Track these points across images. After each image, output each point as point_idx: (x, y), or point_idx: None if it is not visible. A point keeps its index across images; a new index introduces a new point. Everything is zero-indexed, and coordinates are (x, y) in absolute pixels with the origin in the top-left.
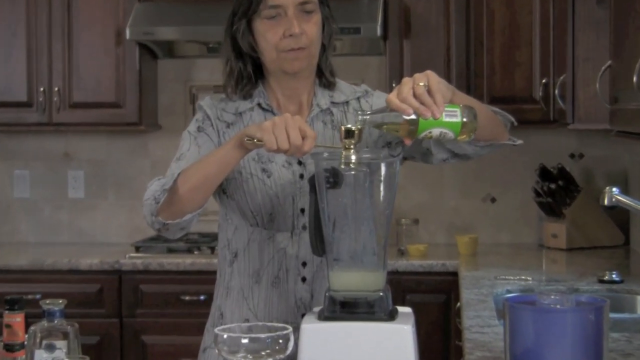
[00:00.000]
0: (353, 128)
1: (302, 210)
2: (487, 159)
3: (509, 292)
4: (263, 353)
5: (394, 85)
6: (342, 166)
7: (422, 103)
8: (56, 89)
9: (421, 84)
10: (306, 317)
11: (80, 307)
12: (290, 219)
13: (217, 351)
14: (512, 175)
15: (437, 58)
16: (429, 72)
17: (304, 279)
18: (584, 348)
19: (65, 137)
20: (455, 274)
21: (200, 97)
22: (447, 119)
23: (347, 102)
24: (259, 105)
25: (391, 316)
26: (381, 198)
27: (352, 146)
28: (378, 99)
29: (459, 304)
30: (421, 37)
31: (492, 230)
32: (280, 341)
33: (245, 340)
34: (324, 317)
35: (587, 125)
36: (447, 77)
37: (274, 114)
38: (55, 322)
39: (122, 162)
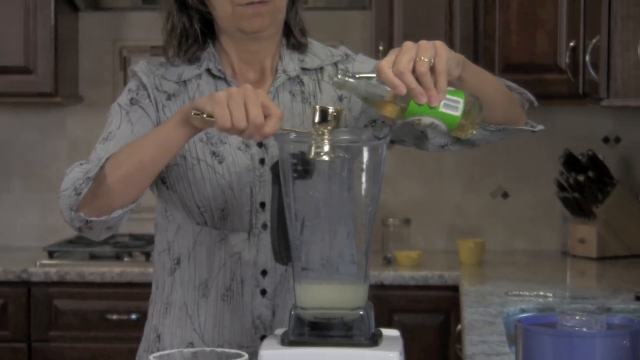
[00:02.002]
0: (330, 109)
1: (263, 205)
2: (499, 145)
3: (523, 311)
4: None
5: (380, 48)
6: (312, 156)
7: (420, 83)
8: None
9: (425, 59)
10: (266, 341)
11: None
12: (248, 216)
13: None
14: (529, 165)
15: (437, 14)
16: (438, 43)
17: (263, 292)
18: None
19: None
20: (456, 289)
21: (134, 61)
22: (445, 110)
23: (321, 69)
24: (209, 71)
25: (374, 341)
26: (363, 192)
27: (326, 132)
28: (361, 64)
29: (460, 326)
30: None
31: (503, 233)
32: None
33: None
34: (288, 341)
35: (625, 101)
36: (450, 40)
37: (227, 83)
38: None
39: (32, 144)
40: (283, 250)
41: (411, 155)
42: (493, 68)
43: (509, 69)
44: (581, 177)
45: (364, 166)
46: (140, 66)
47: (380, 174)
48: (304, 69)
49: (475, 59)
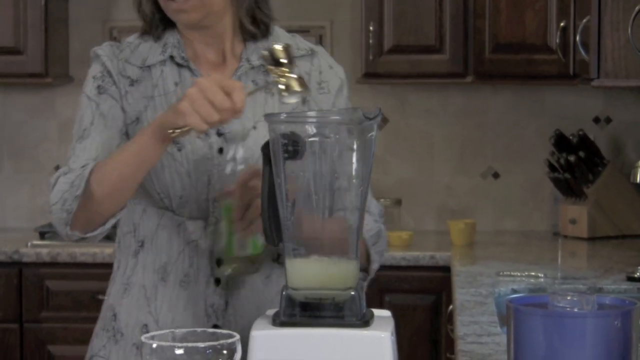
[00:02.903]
0: (277, 48)
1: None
2: (489, 125)
3: (514, 292)
4: None
5: (371, 28)
6: (284, 95)
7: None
8: None
9: None
10: (257, 322)
11: None
12: (205, 204)
13: None
14: (520, 145)
15: None
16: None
17: (217, 281)
18: None
19: None
20: (447, 269)
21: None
22: None
23: None
24: (172, 58)
25: (365, 321)
26: (353, 172)
27: (286, 70)
28: (329, 70)
29: (451, 306)
30: None
31: (494, 214)
32: (225, 352)
33: (179, 351)
34: (279, 322)
35: (616, 81)
36: (439, 19)
37: (190, 70)
38: None
39: (22, 124)
40: (274, 231)
41: (402, 135)
42: (483, 48)
43: (499, 49)
44: (572, 158)
45: (355, 146)
46: (104, 49)
47: (371, 154)
48: None
49: (465, 39)
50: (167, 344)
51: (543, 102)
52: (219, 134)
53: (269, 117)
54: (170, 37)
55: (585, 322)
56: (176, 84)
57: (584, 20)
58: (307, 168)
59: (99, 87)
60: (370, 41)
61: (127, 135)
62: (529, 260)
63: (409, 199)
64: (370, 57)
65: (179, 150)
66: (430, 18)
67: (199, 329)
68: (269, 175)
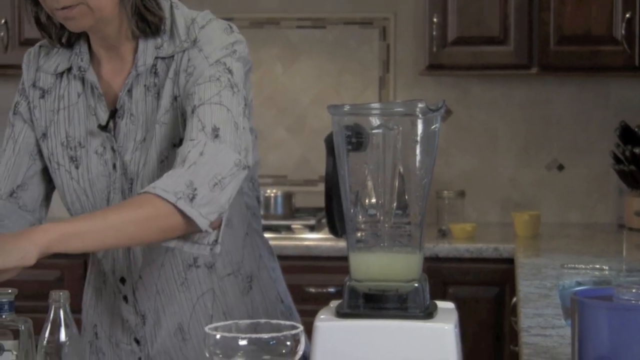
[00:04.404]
0: None
1: None
2: (553, 117)
3: (579, 284)
4: (266, 357)
5: (435, 20)
6: None
7: None
8: (2, 21)
9: None
10: (322, 312)
11: (34, 299)
12: None
13: (207, 355)
14: (585, 137)
15: None
16: None
17: (125, 299)
18: None
19: None
20: (511, 261)
21: None
22: None
23: (172, 57)
24: (80, 69)
25: (428, 313)
26: (417, 164)
27: None
28: (198, 54)
29: (515, 299)
30: None
31: (558, 206)
32: (288, 343)
33: (243, 342)
34: (343, 313)
35: None
36: (504, 10)
37: (90, 85)
38: (3, 317)
39: None
40: (337, 222)
41: (465, 127)
42: (548, 39)
43: (564, 41)
44: (637, 150)
45: (418, 138)
46: (29, 54)
47: (434, 146)
48: (158, 58)
49: (530, 30)
50: (231, 335)
51: (608, 94)
52: (113, 150)
53: (332, 108)
54: (79, 44)
55: None
56: (78, 95)
57: None
58: (370, 160)
59: (16, 104)
60: (434, 33)
61: (39, 152)
62: (594, 252)
63: (473, 191)
64: (434, 49)
65: (77, 167)
66: (495, 9)
67: (262, 320)
68: (332, 167)
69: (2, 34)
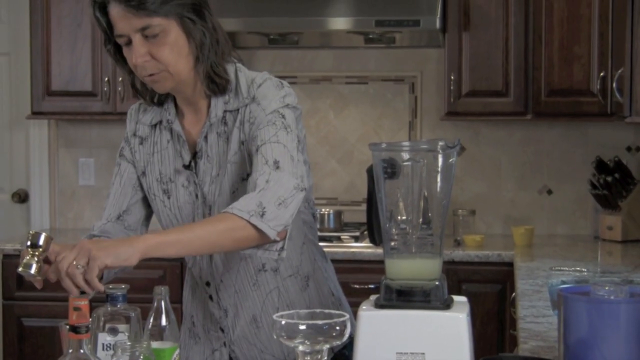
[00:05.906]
0: (41, 240)
1: None
2: (545, 150)
3: (563, 283)
4: (320, 339)
5: (452, 77)
6: (20, 270)
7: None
8: (120, 79)
9: (79, 265)
10: (364, 304)
11: (142, 292)
12: None
13: (275, 337)
14: (568, 168)
15: (496, 51)
16: (93, 251)
17: (211, 298)
18: (638, 339)
19: None
20: (510, 265)
21: None
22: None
23: (237, 110)
24: (168, 122)
25: (447, 305)
26: (438, 189)
27: (36, 254)
28: (257, 107)
29: (514, 294)
30: (480, 29)
31: (548, 221)
32: (337, 328)
33: (302, 327)
34: (380, 304)
35: None
36: (505, 70)
37: (176, 134)
38: (118, 306)
39: None
40: (376, 234)
41: (476, 160)
42: (540, 92)
43: (553, 93)
44: (609, 178)
45: (439, 169)
46: (131, 110)
47: (452, 175)
48: (226, 111)
49: (526, 86)
50: (293, 321)
51: (586, 135)
52: (195, 183)
53: (372, 145)
54: (167, 102)
55: (620, 307)
56: (168, 142)
57: (619, 71)
58: (401, 185)
59: (121, 149)
60: (452, 87)
61: (140, 185)
62: (576, 258)
63: (482, 210)
64: (452, 100)
65: (168, 198)
66: (499, 69)
67: (317, 310)
68: (372, 191)
69: (120, 89)
